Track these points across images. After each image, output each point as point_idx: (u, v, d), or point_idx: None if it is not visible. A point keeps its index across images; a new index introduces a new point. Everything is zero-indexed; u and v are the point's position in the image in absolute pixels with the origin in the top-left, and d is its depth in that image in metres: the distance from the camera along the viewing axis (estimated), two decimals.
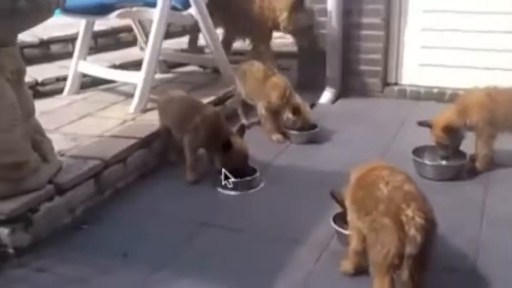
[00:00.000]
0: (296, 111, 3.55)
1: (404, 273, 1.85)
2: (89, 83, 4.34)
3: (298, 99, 3.62)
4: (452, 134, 3.02)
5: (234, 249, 2.49)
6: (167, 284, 2.25)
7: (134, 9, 3.72)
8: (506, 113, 2.99)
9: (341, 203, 2.27)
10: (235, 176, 3.01)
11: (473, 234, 2.50)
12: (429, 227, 1.84)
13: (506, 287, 2.14)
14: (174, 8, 3.84)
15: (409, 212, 1.84)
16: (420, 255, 1.82)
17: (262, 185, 3.07)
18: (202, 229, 2.66)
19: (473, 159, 3.09)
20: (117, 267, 2.36)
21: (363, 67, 4.49)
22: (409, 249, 1.81)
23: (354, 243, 2.15)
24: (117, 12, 3.64)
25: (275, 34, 4.55)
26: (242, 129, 3.19)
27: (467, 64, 4.10)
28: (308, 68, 4.62)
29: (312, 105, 3.79)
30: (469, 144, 3.12)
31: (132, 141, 3.17)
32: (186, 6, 3.99)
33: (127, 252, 2.44)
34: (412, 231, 1.81)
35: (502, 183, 2.97)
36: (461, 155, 3.10)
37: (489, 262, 2.28)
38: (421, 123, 3.13)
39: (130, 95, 3.87)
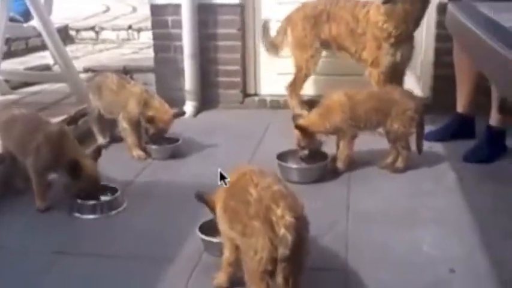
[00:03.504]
0: (150, 119, 3.39)
1: (279, 278, 1.78)
2: None
3: (157, 103, 3.45)
4: (308, 136, 3.07)
5: (97, 276, 2.25)
6: None
7: None
8: (365, 110, 3.11)
9: (210, 205, 2.14)
10: (91, 198, 2.76)
11: (341, 231, 2.53)
12: (300, 225, 1.79)
13: (374, 276, 2.18)
14: (13, 20, 3.48)
15: (279, 212, 1.78)
16: (293, 256, 1.76)
17: (124, 205, 2.85)
18: (58, 259, 2.37)
19: (334, 159, 3.18)
20: None
21: (221, 79, 4.46)
22: (281, 251, 1.74)
23: (227, 254, 2.05)
24: None
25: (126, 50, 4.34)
26: (98, 152, 2.91)
27: (324, 71, 4.25)
28: (166, 82, 4.49)
29: (181, 114, 3.63)
30: (330, 145, 3.21)
31: None
32: (28, 17, 3.64)
33: None
34: (282, 231, 1.75)
35: (362, 181, 3.08)
36: (323, 156, 3.17)
37: (358, 256, 2.32)
38: (294, 118, 3.16)
39: None
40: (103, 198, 2.83)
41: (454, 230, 2.55)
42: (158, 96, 3.56)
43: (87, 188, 2.74)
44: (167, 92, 4.36)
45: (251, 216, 1.82)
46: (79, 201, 2.77)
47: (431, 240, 2.44)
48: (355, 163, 3.21)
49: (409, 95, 3.22)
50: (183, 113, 3.72)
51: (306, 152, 3.10)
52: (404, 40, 3.55)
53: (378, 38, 3.54)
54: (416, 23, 3.54)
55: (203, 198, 2.15)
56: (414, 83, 4.13)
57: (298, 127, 3.05)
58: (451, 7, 3.16)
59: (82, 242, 2.55)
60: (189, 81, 4.35)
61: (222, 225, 2.03)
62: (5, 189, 2.97)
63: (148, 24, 4.71)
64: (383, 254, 2.35)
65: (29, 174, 2.79)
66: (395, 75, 3.63)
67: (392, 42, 3.51)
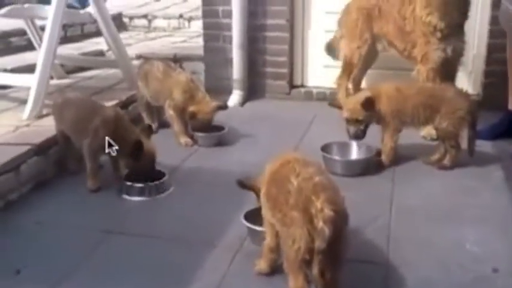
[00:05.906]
0: (192, 115, 3.46)
1: (315, 269, 1.79)
2: None
3: (200, 95, 3.49)
4: (370, 109, 3.05)
5: (143, 256, 2.34)
6: None
7: (26, 5, 3.45)
8: (413, 105, 3.08)
9: (254, 189, 2.18)
10: (141, 181, 2.86)
11: (384, 225, 2.53)
12: (339, 219, 1.79)
13: (415, 272, 2.17)
14: (70, 6, 3.62)
15: (318, 204, 1.79)
16: (330, 249, 1.76)
17: (171, 189, 2.94)
18: (108, 237, 2.48)
19: (379, 153, 3.16)
20: (9, 286, 2.13)
21: (269, 69, 4.50)
22: (318, 243, 1.75)
23: (268, 239, 2.09)
24: (5, 9, 3.36)
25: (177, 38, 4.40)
26: (149, 129, 3.03)
27: (381, 65, 4.19)
28: (214, 71, 4.56)
29: (223, 107, 3.62)
30: (374, 139, 3.20)
31: (25, 148, 2.92)
32: (84, 4, 3.78)
33: (20, 269, 2.21)
34: (320, 224, 1.76)
35: (407, 176, 3.05)
36: (369, 149, 3.16)
37: (399, 251, 2.32)
38: (332, 104, 3.24)
39: (23, 102, 3.58)
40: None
41: (499, 229, 2.50)
42: (202, 87, 3.60)
43: (145, 165, 2.85)
44: (215, 81, 4.44)
45: (291, 206, 1.84)
46: (128, 183, 2.87)
47: (474, 238, 2.41)
48: (400, 158, 3.19)
49: (463, 94, 3.13)
50: (226, 107, 3.67)
51: (357, 128, 3.08)
52: (453, 34, 3.39)
53: (425, 34, 3.41)
54: (462, 13, 3.38)
55: (245, 185, 2.19)
56: (465, 79, 4.04)
57: (368, 99, 3.03)
58: (505, 2, 3.07)
59: (129, 222, 2.65)
60: (236, 70, 4.40)
61: (265, 210, 2.07)
62: (59, 170, 3.11)
63: (199, 13, 4.78)
64: (425, 250, 2.34)
65: (83, 155, 2.91)
66: (446, 72, 3.49)
67: (439, 36, 3.37)
